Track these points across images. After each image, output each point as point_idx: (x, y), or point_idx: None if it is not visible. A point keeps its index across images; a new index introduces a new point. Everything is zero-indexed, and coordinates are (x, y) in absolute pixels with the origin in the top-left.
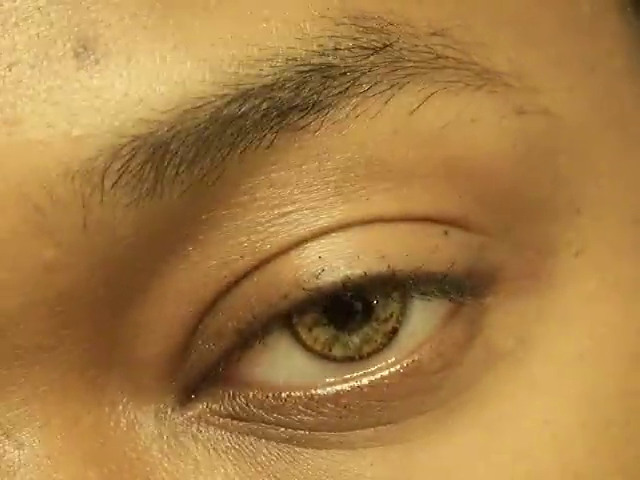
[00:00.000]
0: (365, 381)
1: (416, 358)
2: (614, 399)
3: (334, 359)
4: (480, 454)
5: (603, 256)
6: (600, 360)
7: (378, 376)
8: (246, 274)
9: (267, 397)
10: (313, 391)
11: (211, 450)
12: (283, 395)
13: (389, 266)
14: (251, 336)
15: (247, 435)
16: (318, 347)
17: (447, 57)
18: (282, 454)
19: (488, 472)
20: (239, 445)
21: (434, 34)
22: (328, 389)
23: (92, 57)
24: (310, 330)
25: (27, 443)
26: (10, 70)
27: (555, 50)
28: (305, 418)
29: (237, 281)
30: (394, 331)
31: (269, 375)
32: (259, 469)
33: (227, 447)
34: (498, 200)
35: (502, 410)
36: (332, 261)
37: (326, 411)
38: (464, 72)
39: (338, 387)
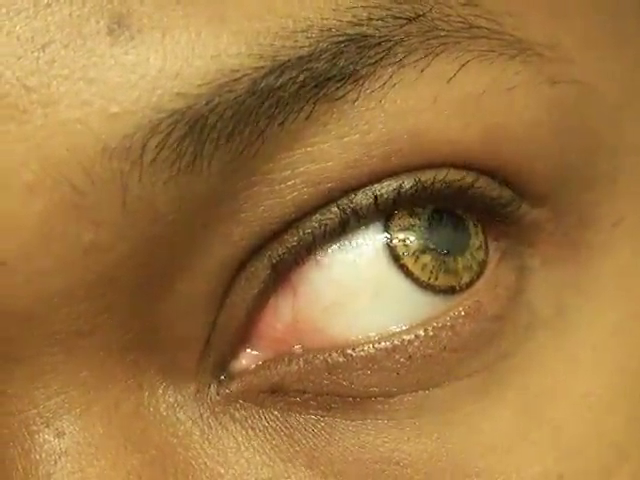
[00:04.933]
0: (433, 329)
1: (477, 298)
2: None
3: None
4: (521, 430)
5: (638, 227)
6: (635, 332)
7: (448, 317)
8: (288, 253)
9: (329, 355)
10: (383, 343)
11: (249, 430)
12: (348, 351)
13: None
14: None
15: (283, 411)
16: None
17: (480, 27)
18: (317, 430)
19: (529, 450)
20: (275, 423)
21: (466, 4)
22: (398, 340)
23: (127, 33)
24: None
25: (67, 431)
26: (44, 51)
27: (584, 23)
28: (362, 375)
29: (279, 257)
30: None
31: (331, 335)
32: (297, 448)
33: (264, 426)
34: (535, 169)
35: (542, 383)
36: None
37: (389, 364)
38: (497, 41)
39: (408, 336)
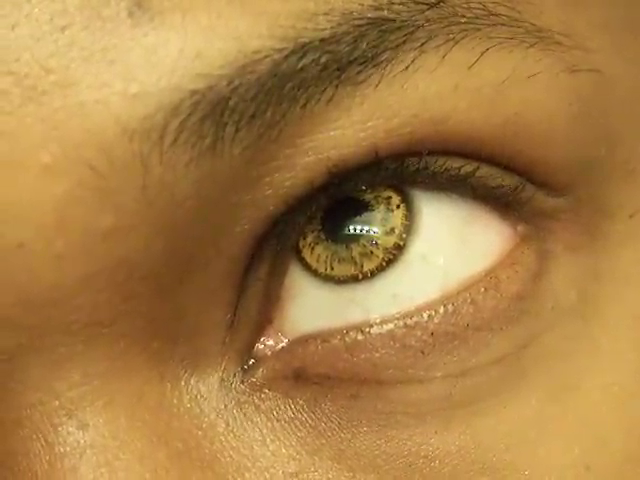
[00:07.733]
0: (454, 305)
1: (494, 274)
2: None
3: None
4: (547, 421)
5: None
6: None
7: (468, 293)
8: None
9: (347, 333)
10: (403, 320)
11: (274, 422)
12: (366, 329)
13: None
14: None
15: (309, 402)
16: None
17: (499, 14)
18: (343, 422)
19: (556, 441)
20: (301, 414)
21: None
22: (418, 316)
23: (147, 15)
24: None
25: (91, 423)
26: (62, 33)
27: (601, 13)
28: (385, 356)
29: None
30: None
31: (346, 316)
32: (323, 441)
33: (290, 417)
34: (554, 159)
35: (567, 372)
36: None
37: (412, 342)
38: (516, 29)
39: (429, 312)
